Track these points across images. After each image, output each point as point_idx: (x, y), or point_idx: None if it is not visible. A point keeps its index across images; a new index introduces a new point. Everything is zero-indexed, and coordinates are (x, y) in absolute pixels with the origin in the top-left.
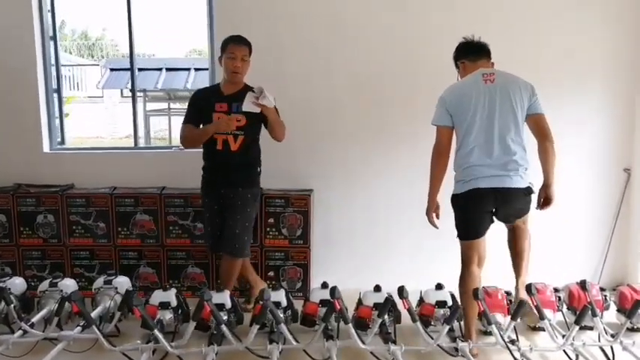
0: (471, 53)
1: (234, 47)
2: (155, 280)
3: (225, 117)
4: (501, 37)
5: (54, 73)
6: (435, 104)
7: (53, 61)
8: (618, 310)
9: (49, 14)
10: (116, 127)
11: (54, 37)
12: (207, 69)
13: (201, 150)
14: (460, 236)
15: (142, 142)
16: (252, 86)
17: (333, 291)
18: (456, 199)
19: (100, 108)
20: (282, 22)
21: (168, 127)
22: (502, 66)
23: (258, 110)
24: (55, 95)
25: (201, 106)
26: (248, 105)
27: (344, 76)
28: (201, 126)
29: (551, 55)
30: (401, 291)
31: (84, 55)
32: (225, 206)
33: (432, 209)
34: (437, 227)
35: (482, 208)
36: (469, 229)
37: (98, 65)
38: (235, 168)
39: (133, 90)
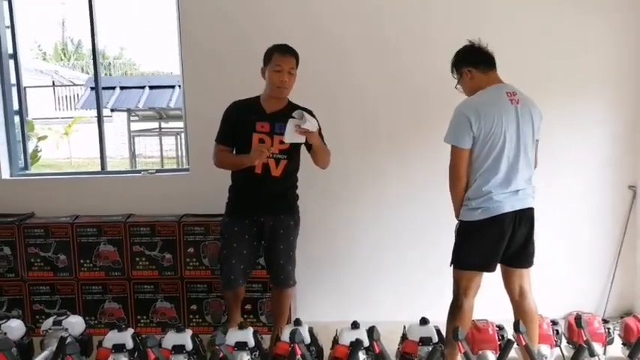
0: (482, 62)
1: (279, 58)
2: (122, 316)
3: (257, 146)
4: (501, 45)
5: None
6: (453, 119)
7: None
8: (624, 344)
9: (8, 31)
10: (125, 147)
11: (14, 56)
12: None
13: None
14: (468, 266)
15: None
16: (296, 104)
17: (293, 335)
18: (473, 226)
19: (110, 127)
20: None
21: (159, 147)
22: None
23: (302, 140)
24: (17, 117)
25: (238, 123)
26: (291, 135)
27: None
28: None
29: (554, 68)
30: (371, 332)
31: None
32: (266, 236)
33: None
34: None
35: (505, 234)
36: (484, 258)
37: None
38: (276, 194)
39: (98, 109)
